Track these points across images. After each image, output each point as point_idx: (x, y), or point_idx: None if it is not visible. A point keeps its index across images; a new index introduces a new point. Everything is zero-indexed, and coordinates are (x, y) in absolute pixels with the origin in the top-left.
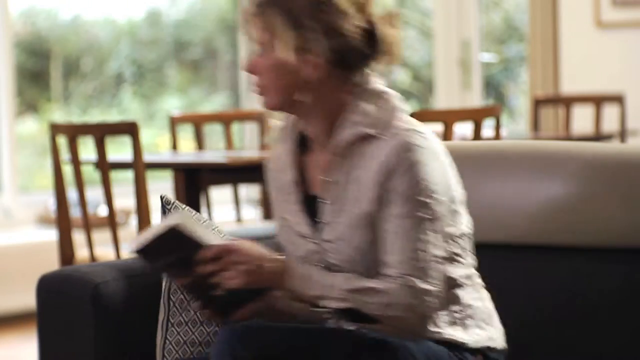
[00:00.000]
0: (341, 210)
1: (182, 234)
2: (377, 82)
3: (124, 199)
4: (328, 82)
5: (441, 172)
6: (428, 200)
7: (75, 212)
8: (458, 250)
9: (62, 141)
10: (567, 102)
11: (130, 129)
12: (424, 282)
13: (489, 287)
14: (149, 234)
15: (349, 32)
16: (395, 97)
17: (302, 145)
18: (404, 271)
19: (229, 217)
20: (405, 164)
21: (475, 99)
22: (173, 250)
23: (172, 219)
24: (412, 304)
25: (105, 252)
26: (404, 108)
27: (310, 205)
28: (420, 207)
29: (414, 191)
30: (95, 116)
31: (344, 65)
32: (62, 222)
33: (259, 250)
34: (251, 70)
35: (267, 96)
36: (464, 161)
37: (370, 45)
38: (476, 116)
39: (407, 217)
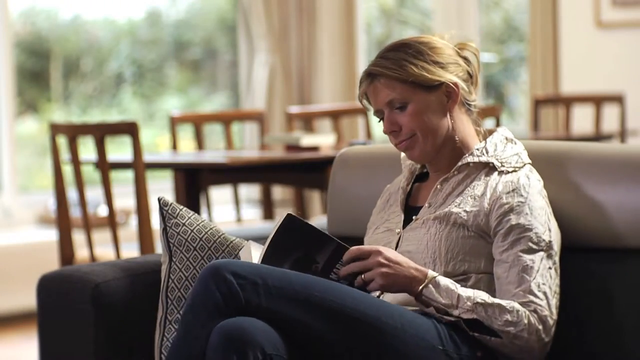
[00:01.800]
0: (435, 211)
1: (300, 223)
2: (504, 129)
3: (124, 199)
4: (460, 116)
5: (547, 211)
6: (544, 237)
7: (75, 212)
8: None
9: (62, 141)
10: (567, 102)
11: (130, 129)
12: (548, 310)
13: None
14: (266, 244)
15: (458, 63)
16: (517, 141)
17: (419, 178)
18: (525, 301)
19: (229, 217)
20: (521, 202)
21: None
22: (293, 248)
23: (282, 216)
24: (537, 328)
25: (105, 252)
26: (522, 149)
27: (408, 213)
28: (539, 242)
29: (531, 226)
30: (95, 116)
31: (467, 95)
32: (62, 222)
33: (400, 256)
34: (395, 128)
35: (416, 145)
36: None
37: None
38: None
39: (528, 252)
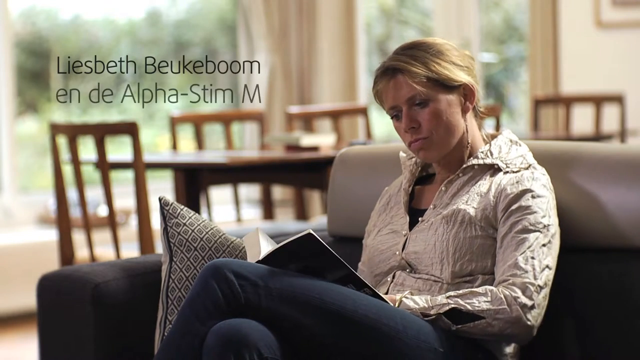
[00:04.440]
0: (441, 211)
1: (319, 244)
2: (508, 132)
3: (124, 199)
4: (471, 119)
5: (550, 202)
6: (543, 220)
7: (75, 212)
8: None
9: (62, 141)
10: (567, 102)
11: (130, 129)
12: (531, 277)
13: None
14: (280, 245)
15: (470, 67)
16: (521, 143)
17: (420, 181)
18: (509, 274)
19: (229, 217)
20: (524, 190)
21: None
22: (303, 259)
23: (303, 232)
24: (515, 296)
25: (105, 252)
26: (527, 151)
27: (412, 215)
28: (536, 223)
29: (531, 210)
30: (95, 116)
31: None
32: (62, 222)
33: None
34: (415, 125)
35: (432, 146)
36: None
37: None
38: None
39: (523, 231)
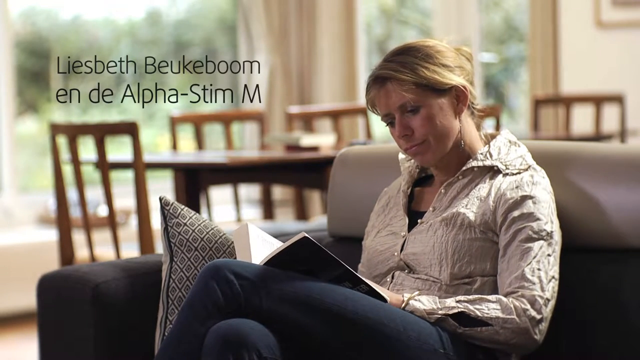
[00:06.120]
0: (441, 214)
1: (314, 246)
2: (506, 132)
3: (124, 199)
4: (466, 119)
5: (551, 205)
6: (546, 227)
7: (75, 212)
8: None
9: (62, 141)
10: (567, 102)
11: (130, 129)
12: (539, 290)
13: None
14: (276, 251)
15: (463, 67)
16: (520, 144)
17: (419, 182)
18: (517, 286)
19: (229, 217)
20: (524, 196)
21: None
22: (298, 263)
23: (297, 236)
24: (524, 308)
25: (105, 252)
26: (526, 152)
27: (411, 217)
28: (540, 231)
29: (533, 217)
30: (95, 116)
31: (472, 98)
32: (62, 222)
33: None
34: (408, 132)
35: (428, 150)
36: None
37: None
38: None
39: (528, 240)
